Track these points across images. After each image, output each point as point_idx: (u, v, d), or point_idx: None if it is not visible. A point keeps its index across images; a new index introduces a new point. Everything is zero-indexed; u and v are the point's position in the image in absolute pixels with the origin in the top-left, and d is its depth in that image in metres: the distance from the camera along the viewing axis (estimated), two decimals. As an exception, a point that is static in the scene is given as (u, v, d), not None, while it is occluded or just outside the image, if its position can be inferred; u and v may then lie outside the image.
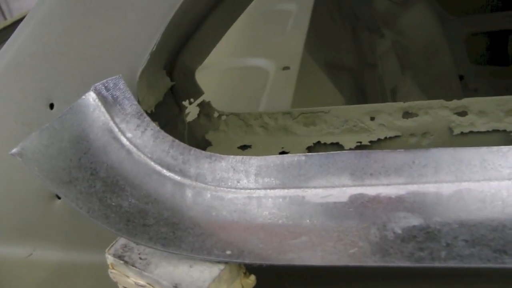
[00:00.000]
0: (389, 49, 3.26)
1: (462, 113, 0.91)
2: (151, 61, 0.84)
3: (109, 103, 0.83)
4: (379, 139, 0.93)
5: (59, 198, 0.97)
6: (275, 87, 1.37)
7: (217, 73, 1.59)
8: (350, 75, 2.25)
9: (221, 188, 0.81)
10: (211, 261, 0.70)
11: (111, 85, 0.83)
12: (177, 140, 0.83)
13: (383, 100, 2.95)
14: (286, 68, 1.46)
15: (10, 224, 1.02)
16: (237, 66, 1.61)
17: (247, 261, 0.68)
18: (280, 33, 1.79)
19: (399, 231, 0.67)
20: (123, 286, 0.79)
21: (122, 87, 0.83)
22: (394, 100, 3.10)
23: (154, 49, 0.82)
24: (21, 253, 1.03)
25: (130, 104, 0.84)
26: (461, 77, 4.02)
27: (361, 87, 2.48)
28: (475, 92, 4.02)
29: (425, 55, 3.62)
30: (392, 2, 3.57)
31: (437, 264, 0.63)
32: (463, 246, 0.65)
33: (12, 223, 1.02)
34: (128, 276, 0.76)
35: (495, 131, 0.89)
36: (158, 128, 0.83)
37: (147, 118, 0.84)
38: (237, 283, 0.70)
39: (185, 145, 0.83)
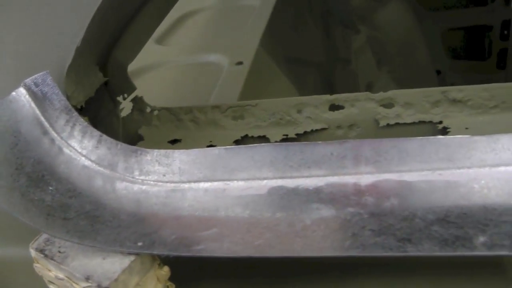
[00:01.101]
0: (364, 45, 3.27)
1: (389, 105, 0.92)
2: (78, 57, 0.84)
3: (39, 98, 0.84)
4: (305, 132, 0.94)
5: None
6: (226, 83, 1.37)
7: (175, 70, 1.60)
8: (316, 70, 2.25)
9: (148, 182, 0.81)
10: (123, 253, 0.70)
11: (40, 81, 0.84)
12: (104, 135, 0.83)
13: (356, 95, 2.96)
14: (239, 63, 1.47)
15: None
16: (195, 62, 1.62)
17: (155, 252, 0.69)
18: (239, 28, 1.79)
19: (308, 222, 0.68)
20: (48, 280, 0.79)
21: (50, 82, 0.84)
22: (369, 95, 3.11)
23: (79, 45, 0.82)
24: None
25: (58, 100, 0.84)
26: (438, 72, 4.03)
27: (330, 82, 2.48)
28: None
29: (401, 50, 3.63)
30: (368, -3, 3.58)
31: (338, 254, 0.64)
32: (369, 235, 0.66)
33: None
34: (49, 270, 0.76)
35: (422, 122, 0.90)
36: (86, 123, 0.84)
37: (76, 114, 0.84)
38: (151, 274, 0.71)
39: (112, 139, 0.83)
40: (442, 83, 4.04)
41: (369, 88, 3.19)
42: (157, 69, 1.62)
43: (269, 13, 1.85)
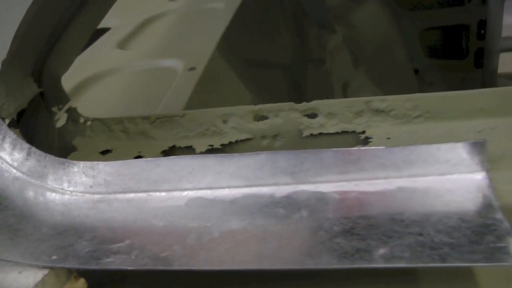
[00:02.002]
0: (340, 44, 3.28)
1: (312, 115, 0.94)
2: (6, 70, 0.85)
3: (-32, 111, 0.85)
4: (230, 142, 0.95)
5: None
6: (177, 88, 1.39)
7: (132, 75, 1.62)
8: (282, 72, 2.27)
9: (76, 193, 0.83)
10: (38, 267, 0.72)
11: (-31, 93, 0.85)
12: (33, 148, 0.85)
13: (329, 96, 2.99)
14: (192, 68, 1.48)
15: None
16: (152, 67, 1.63)
17: (67, 265, 0.70)
18: (199, 32, 1.81)
19: (216, 235, 0.70)
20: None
21: (-22, 95, 0.85)
22: (345, 95, 3.15)
23: (5, 57, 0.84)
24: None
25: (-13, 112, 0.86)
26: (416, 71, 4.06)
27: (299, 84, 2.50)
28: (430, 86, 4.09)
29: (379, 50, 3.65)
30: (345, -3, 3.60)
31: (237, 267, 0.65)
32: (270, 248, 0.67)
33: None
34: (-29, 284, 0.78)
35: (345, 132, 0.92)
36: (16, 135, 0.85)
37: (5, 126, 0.85)
38: (67, 287, 0.72)
39: (41, 152, 0.84)
40: (420, 82, 4.08)
41: (345, 88, 3.21)
42: (117, 74, 1.64)
43: (230, 16, 1.87)
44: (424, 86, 4.06)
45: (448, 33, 4.06)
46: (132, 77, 1.59)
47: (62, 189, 0.84)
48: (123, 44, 1.87)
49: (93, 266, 0.69)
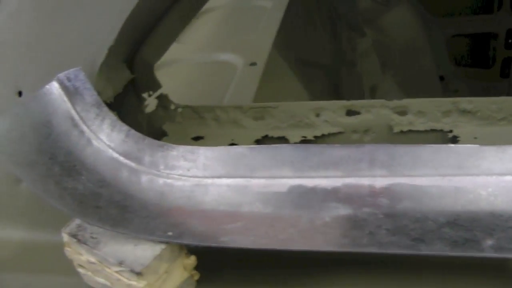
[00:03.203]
0: (369, 48, 3.30)
1: (402, 113, 0.97)
2: (110, 56, 0.89)
3: (70, 92, 0.88)
4: (323, 135, 0.99)
5: (24, 181, 1.01)
6: (240, 82, 1.42)
7: (189, 67, 1.65)
8: (324, 73, 2.30)
9: (173, 175, 0.86)
10: (153, 241, 0.75)
11: (73, 76, 0.88)
12: (133, 130, 0.88)
13: (360, 97, 3.01)
14: (253, 64, 1.52)
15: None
16: (209, 60, 1.66)
17: (185, 241, 0.73)
18: (252, 29, 1.84)
19: (328, 220, 0.73)
20: (78, 264, 0.84)
21: (82, 78, 0.89)
22: (373, 98, 3.16)
23: (113, 44, 0.87)
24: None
25: (90, 95, 0.89)
26: (441, 78, 4.05)
27: (336, 85, 2.53)
28: (455, 93, 4.08)
29: (406, 55, 3.66)
30: (375, 1, 3.61)
31: (357, 250, 0.69)
32: (385, 234, 0.71)
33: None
34: (81, 254, 0.81)
35: (433, 130, 0.95)
36: (116, 118, 0.89)
37: (106, 108, 0.89)
38: (178, 262, 0.76)
39: (140, 134, 0.88)
40: (445, 89, 4.07)
41: (373, 91, 3.23)
42: (172, 66, 1.67)
43: (281, 14, 1.89)
44: (449, 93, 4.05)
45: (476, 41, 4.04)
46: (189, 70, 1.62)
47: (158, 171, 0.87)
48: None
49: (212, 244, 0.72)
